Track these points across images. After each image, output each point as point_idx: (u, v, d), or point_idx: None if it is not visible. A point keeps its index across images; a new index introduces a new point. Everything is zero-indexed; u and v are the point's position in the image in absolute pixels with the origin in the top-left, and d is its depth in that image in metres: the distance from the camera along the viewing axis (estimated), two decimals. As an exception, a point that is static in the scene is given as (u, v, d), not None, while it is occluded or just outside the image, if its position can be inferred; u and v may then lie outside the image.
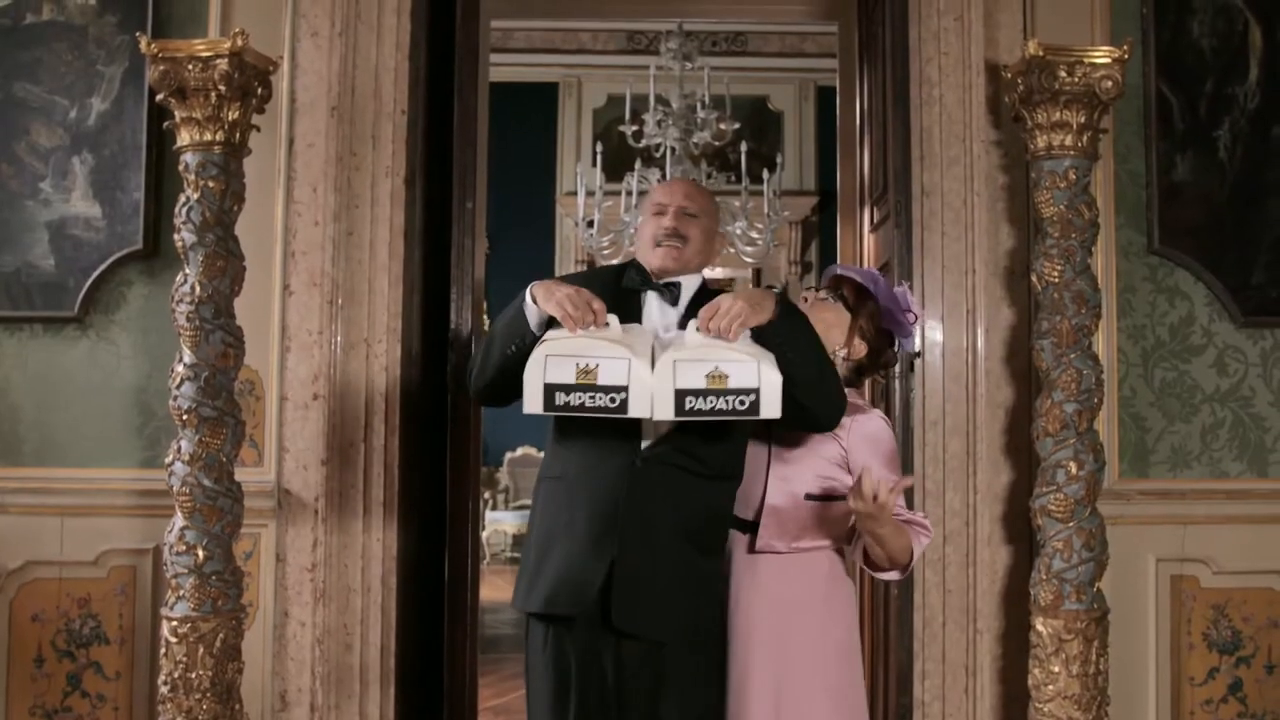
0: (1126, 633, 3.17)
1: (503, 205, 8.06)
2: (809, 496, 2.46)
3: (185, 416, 2.79)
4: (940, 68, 3.25)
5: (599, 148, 7.47)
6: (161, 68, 2.77)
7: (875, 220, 3.79)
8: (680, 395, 2.15)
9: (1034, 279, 3.00)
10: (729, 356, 2.18)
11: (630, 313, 2.41)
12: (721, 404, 2.16)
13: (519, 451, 9.44)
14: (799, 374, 2.25)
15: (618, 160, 8.13)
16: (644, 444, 2.35)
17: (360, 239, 3.18)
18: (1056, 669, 2.86)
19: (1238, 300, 3.27)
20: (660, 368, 2.18)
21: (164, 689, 2.78)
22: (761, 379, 2.16)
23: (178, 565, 2.78)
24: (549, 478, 2.45)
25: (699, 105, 7.16)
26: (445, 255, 3.43)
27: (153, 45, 2.78)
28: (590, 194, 7.27)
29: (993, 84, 3.21)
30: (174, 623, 2.78)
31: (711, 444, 2.36)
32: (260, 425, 3.15)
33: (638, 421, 2.29)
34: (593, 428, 2.32)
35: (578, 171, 7.59)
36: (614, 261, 2.63)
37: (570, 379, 2.17)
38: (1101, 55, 2.90)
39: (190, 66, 2.75)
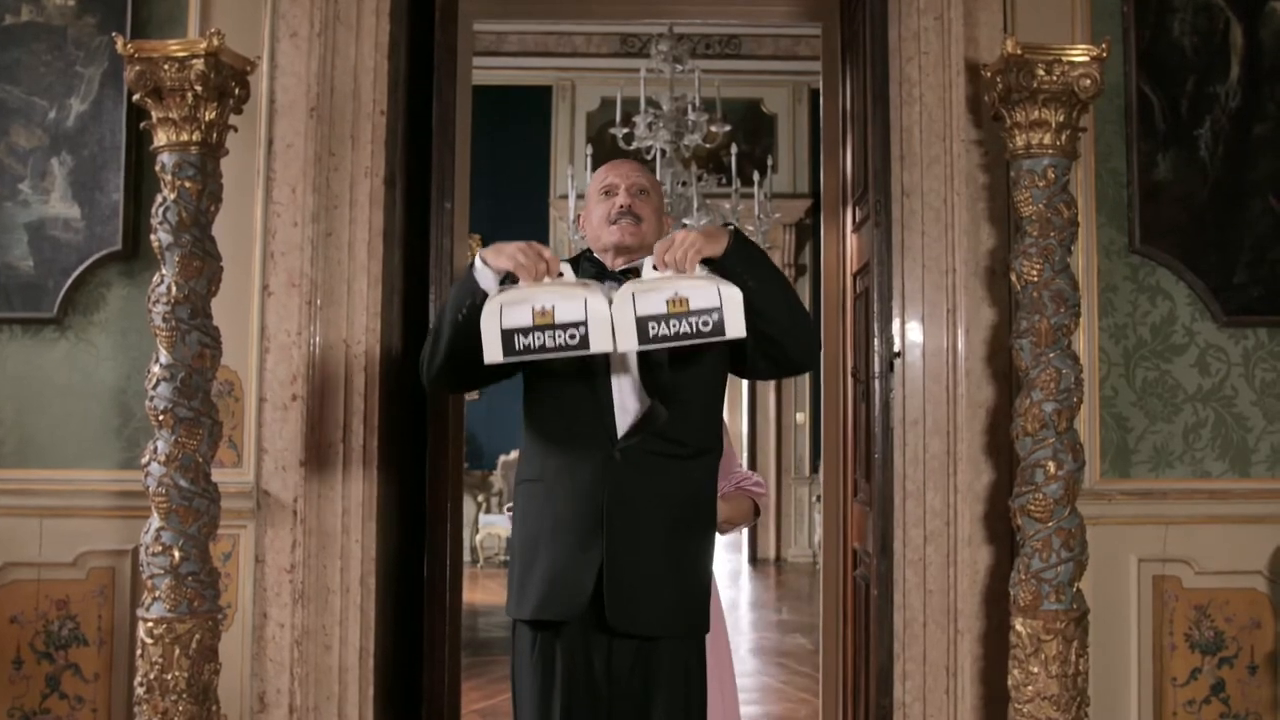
0: (1108, 633, 3.16)
1: (497, 207, 8.08)
2: None
3: (161, 417, 2.78)
4: (920, 67, 3.24)
5: (590, 150, 7.49)
6: (138, 68, 2.76)
7: (857, 220, 3.78)
8: (642, 322, 2.13)
9: (1013, 278, 2.99)
10: (688, 282, 2.15)
11: None
12: (685, 326, 2.13)
13: (512, 455, 9.42)
14: (763, 303, 2.22)
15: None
16: (619, 433, 2.31)
17: (339, 240, 3.18)
18: (1035, 669, 2.85)
19: (1220, 299, 3.26)
20: (619, 299, 2.15)
21: (140, 690, 2.77)
22: (723, 297, 2.13)
23: (154, 566, 2.78)
24: (526, 480, 2.42)
25: (690, 108, 7.16)
26: (426, 256, 3.42)
27: (129, 45, 2.77)
28: (581, 197, 7.27)
29: (973, 83, 3.21)
30: (150, 624, 2.76)
31: (688, 420, 2.33)
32: (239, 426, 3.15)
33: (611, 412, 2.28)
34: (564, 422, 2.29)
35: (569, 174, 7.60)
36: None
37: (528, 321, 2.14)
38: (1080, 54, 2.89)
39: (166, 67, 2.74)
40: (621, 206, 2.45)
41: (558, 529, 2.30)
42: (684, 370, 2.33)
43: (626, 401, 2.34)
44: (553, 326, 2.13)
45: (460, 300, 2.29)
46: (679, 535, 2.32)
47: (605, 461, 2.29)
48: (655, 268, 2.22)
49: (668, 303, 2.12)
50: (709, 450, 2.40)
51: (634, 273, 2.37)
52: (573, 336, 2.13)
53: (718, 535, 2.65)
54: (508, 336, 2.14)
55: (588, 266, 2.46)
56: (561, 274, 2.23)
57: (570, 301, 2.15)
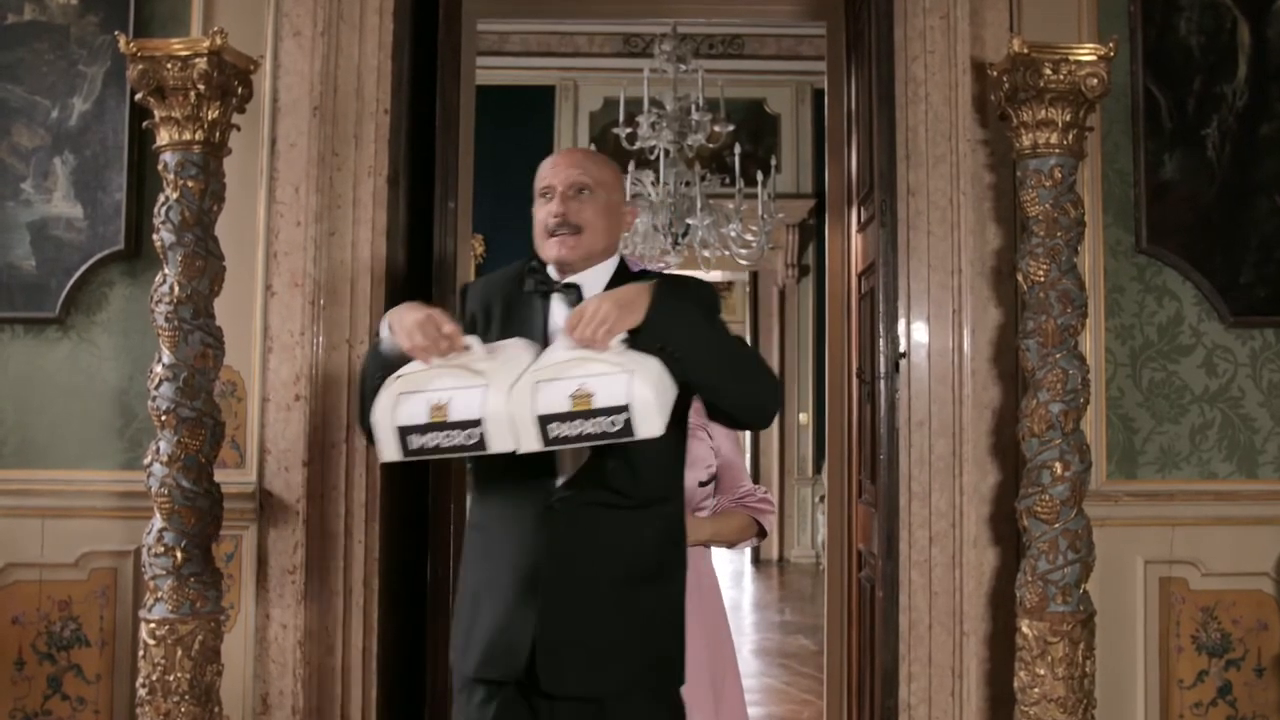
0: (1115, 635, 3.15)
1: (500, 207, 8.06)
2: (702, 484, 2.60)
3: (164, 417, 2.77)
4: (926, 66, 3.23)
5: (593, 150, 7.48)
6: (140, 67, 2.76)
7: (862, 220, 3.77)
8: (543, 422, 1.85)
9: (1019, 278, 2.98)
10: (595, 370, 1.86)
11: (532, 320, 2.13)
12: (590, 428, 1.85)
13: (515, 455, 9.40)
14: (695, 370, 1.97)
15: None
16: (559, 482, 2.07)
17: (342, 239, 3.16)
18: (1042, 671, 2.83)
19: (1226, 300, 3.25)
20: (518, 392, 1.87)
21: (142, 691, 2.76)
22: (633, 394, 1.84)
23: (156, 567, 2.77)
24: (471, 526, 2.20)
25: (693, 108, 7.15)
26: (429, 256, 3.41)
27: (132, 44, 2.77)
28: (584, 197, 7.26)
29: (979, 83, 3.19)
30: (152, 625, 2.76)
31: (635, 468, 2.07)
32: (242, 426, 3.14)
33: (552, 458, 2.03)
34: (502, 468, 2.03)
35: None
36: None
37: (423, 418, 1.88)
38: (1086, 53, 2.88)
39: (169, 65, 2.74)
40: (556, 216, 2.11)
41: (496, 584, 2.09)
42: None
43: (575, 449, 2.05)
44: (448, 426, 1.88)
45: (372, 372, 2.06)
46: (627, 592, 2.06)
47: (542, 514, 2.05)
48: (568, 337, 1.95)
49: (571, 398, 1.85)
50: (662, 500, 2.13)
51: (576, 290, 2.12)
52: (470, 436, 1.87)
53: (725, 548, 2.61)
54: (403, 435, 1.89)
55: (531, 281, 2.16)
56: (469, 347, 1.95)
57: (467, 395, 1.88)
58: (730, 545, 2.70)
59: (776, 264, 10.14)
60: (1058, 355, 2.89)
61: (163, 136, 2.80)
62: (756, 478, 10.05)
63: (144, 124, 2.89)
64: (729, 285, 12.19)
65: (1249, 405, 3.26)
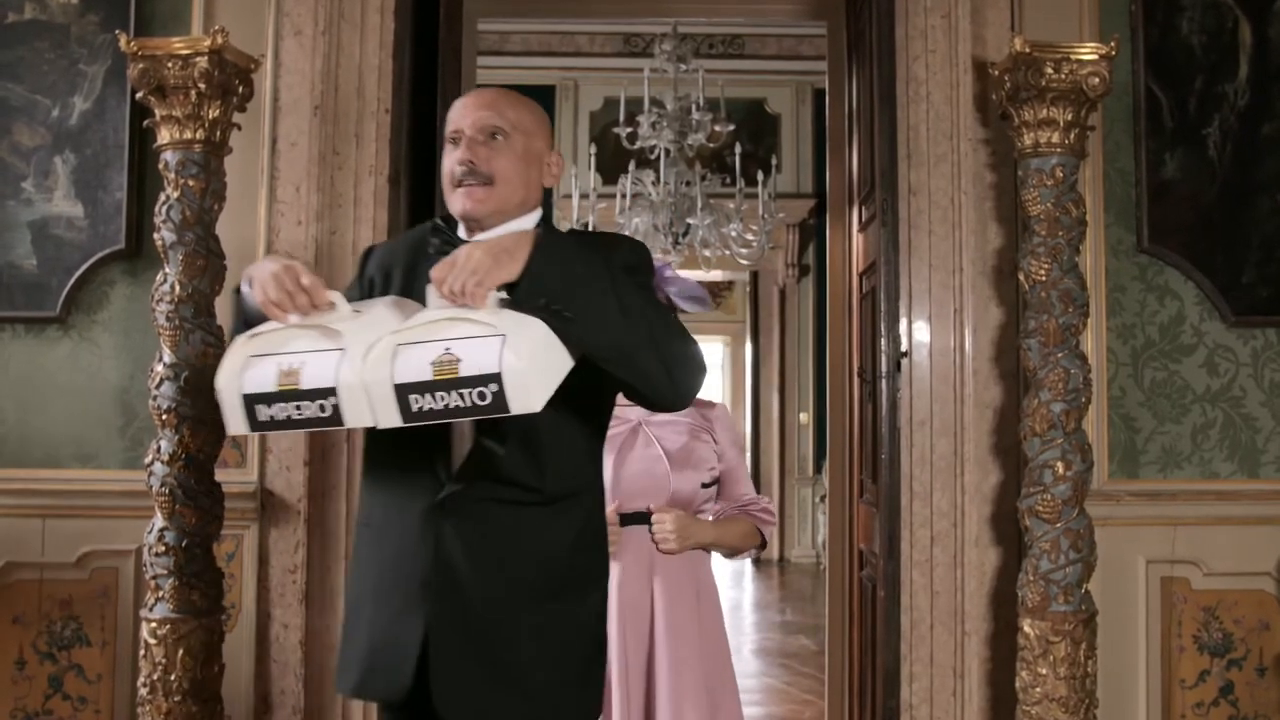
0: (1117, 635, 3.14)
1: (499, 208, 8.05)
2: (704, 485, 2.58)
3: (165, 416, 2.77)
4: (928, 66, 3.23)
5: (593, 150, 7.48)
6: (141, 65, 2.75)
7: (863, 220, 3.77)
8: (401, 393, 1.57)
9: (1021, 278, 2.97)
10: (464, 332, 1.57)
11: None
12: (456, 400, 1.56)
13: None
14: (593, 339, 1.64)
15: (614, 163, 8.13)
16: (453, 472, 1.78)
17: (344, 239, 3.16)
18: (1044, 671, 2.83)
19: (1228, 299, 3.24)
20: (375, 357, 1.59)
21: (143, 691, 2.75)
22: (505, 361, 1.54)
23: (157, 566, 2.77)
24: (360, 524, 1.95)
25: (694, 107, 7.15)
26: (430, 255, 3.41)
27: (132, 43, 2.77)
28: (585, 197, 7.27)
29: (980, 82, 3.19)
30: (153, 624, 2.75)
31: (540, 456, 1.78)
32: (243, 426, 3.13)
33: (446, 444, 1.77)
34: (389, 450, 1.78)
35: (572, 174, 7.59)
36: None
37: (272, 385, 1.62)
38: (1088, 52, 2.87)
39: (170, 64, 2.74)
40: (463, 163, 1.81)
41: (379, 590, 1.82)
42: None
43: (466, 430, 1.78)
44: (300, 395, 1.61)
45: (232, 334, 1.81)
46: (531, 605, 1.77)
47: (430, 510, 1.77)
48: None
49: (434, 365, 1.55)
50: (574, 494, 1.83)
51: None
52: (323, 409, 1.60)
53: (724, 557, 2.59)
54: (249, 405, 1.63)
55: (435, 240, 1.87)
56: (334, 304, 1.69)
57: (321, 360, 1.61)
58: (731, 553, 2.66)
59: (777, 264, 10.14)
60: (1059, 355, 2.88)
61: (163, 135, 2.80)
62: (756, 478, 10.06)
63: (145, 123, 2.88)
64: (729, 285, 12.20)
65: (1251, 405, 3.26)
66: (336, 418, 1.61)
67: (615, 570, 2.52)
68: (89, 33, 3.19)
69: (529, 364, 1.55)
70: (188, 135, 2.78)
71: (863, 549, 3.81)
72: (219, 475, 2.86)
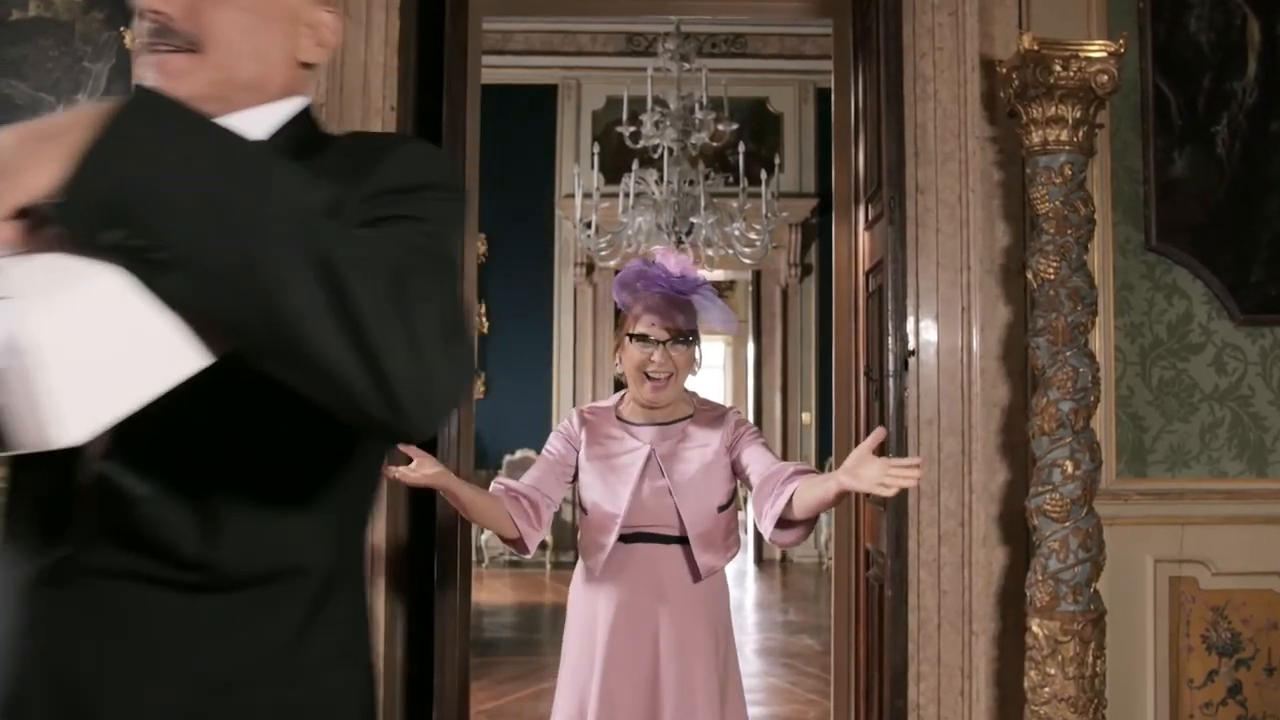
0: (1125, 635, 3.13)
1: (502, 207, 8.05)
2: (721, 508, 2.52)
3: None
4: (935, 63, 3.21)
5: (596, 149, 7.48)
6: (146, 63, 2.73)
7: (870, 218, 3.75)
8: None
9: (1029, 276, 2.96)
10: None
11: None
12: None
13: (517, 454, 9.41)
14: (209, 299, 0.85)
15: (617, 162, 8.13)
16: (71, 523, 1.02)
17: (349, 237, 3.14)
18: (1052, 671, 2.82)
19: (1236, 298, 3.23)
20: None
21: (148, 691, 2.71)
22: (16, 340, 0.81)
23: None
24: None
25: (697, 106, 7.15)
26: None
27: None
28: (588, 196, 7.26)
29: (988, 79, 3.18)
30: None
31: (209, 500, 1.01)
32: (248, 425, 3.11)
33: (67, 489, 1.01)
34: (8, 504, 1.07)
35: (575, 173, 7.59)
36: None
37: None
38: (1097, 49, 2.86)
39: (175, 62, 2.72)
40: (149, 11, 1.10)
41: None
42: (218, 403, 0.98)
43: (89, 450, 0.98)
44: None
45: None
46: None
47: (32, 590, 1.03)
48: None
49: None
50: (287, 574, 1.05)
51: None
52: None
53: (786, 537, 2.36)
54: None
55: None
56: None
57: None
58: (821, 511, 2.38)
59: (779, 263, 10.12)
60: (1067, 353, 2.87)
61: (169, 133, 2.78)
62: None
63: (150, 121, 2.86)
64: (731, 284, 12.18)
65: (1259, 404, 3.25)
66: None
67: (614, 589, 2.48)
68: (93, 30, 3.18)
69: (66, 355, 0.82)
70: (193, 133, 2.76)
71: (869, 548, 3.80)
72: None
